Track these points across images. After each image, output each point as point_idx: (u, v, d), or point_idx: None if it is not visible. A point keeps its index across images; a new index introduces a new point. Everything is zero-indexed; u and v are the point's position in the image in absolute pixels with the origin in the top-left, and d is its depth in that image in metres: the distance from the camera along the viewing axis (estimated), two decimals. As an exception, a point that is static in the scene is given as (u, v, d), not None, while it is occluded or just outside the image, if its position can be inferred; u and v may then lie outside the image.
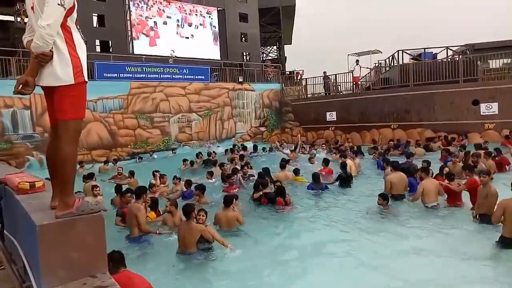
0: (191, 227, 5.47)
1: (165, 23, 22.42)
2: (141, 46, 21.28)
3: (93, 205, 2.39)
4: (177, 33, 22.84)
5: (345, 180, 9.54)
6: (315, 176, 9.14)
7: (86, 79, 2.36)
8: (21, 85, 2.16)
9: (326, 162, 11.04)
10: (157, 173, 10.13)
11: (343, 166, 9.88)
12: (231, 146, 17.55)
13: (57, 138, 2.33)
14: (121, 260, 3.69)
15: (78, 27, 2.38)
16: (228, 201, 6.72)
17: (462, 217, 6.53)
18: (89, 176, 10.03)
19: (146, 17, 21.68)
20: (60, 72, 2.21)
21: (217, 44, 24.68)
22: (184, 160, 13.63)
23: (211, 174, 10.52)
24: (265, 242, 6.08)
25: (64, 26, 2.24)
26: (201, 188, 8.25)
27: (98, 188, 8.14)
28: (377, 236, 5.98)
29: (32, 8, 2.25)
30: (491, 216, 5.56)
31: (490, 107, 15.45)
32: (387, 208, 7.06)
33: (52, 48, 2.18)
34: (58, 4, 2.13)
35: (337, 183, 9.60)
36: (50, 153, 2.48)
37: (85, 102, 2.41)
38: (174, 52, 21.45)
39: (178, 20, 22.99)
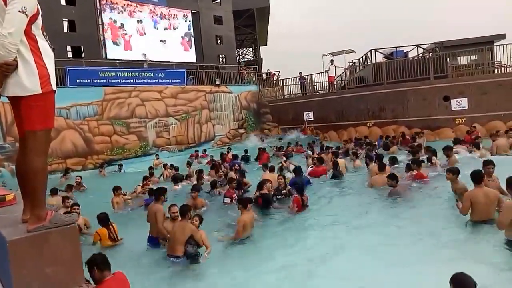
0: (184, 225, 5.53)
1: (138, 27, 22.09)
2: (115, 51, 20.88)
3: (67, 217, 2.35)
4: (151, 37, 22.54)
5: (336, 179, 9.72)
6: (296, 170, 9.18)
7: (55, 88, 2.29)
8: None
9: (320, 160, 10.74)
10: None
11: (335, 165, 10.04)
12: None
13: (25, 149, 2.27)
14: (104, 262, 3.55)
15: (45, 34, 2.31)
16: (247, 201, 6.42)
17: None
18: (54, 191, 9.52)
19: (118, 22, 21.29)
20: (26, 82, 2.14)
21: (192, 47, 24.52)
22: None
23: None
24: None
25: (28, 34, 2.16)
26: (197, 190, 8.22)
27: (69, 200, 7.82)
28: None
29: None
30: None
31: (460, 102, 15.98)
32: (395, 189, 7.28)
33: (16, 57, 2.11)
34: (19, 11, 2.04)
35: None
36: (20, 165, 2.40)
37: (53, 112, 2.35)
38: (146, 56, 21.19)
39: (151, 24, 22.70)
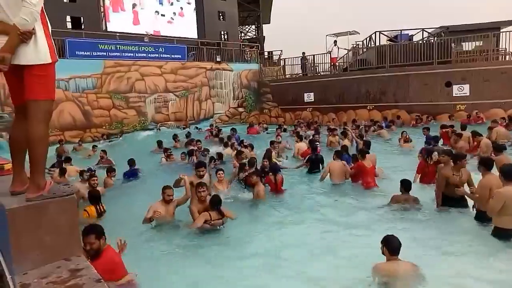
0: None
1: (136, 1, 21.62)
2: (115, 23, 20.48)
3: (65, 188, 2.36)
4: (151, 10, 22.08)
5: (314, 162, 9.16)
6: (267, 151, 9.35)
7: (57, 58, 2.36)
8: None
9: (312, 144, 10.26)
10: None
11: (314, 148, 9.64)
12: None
13: (25, 118, 2.27)
14: (102, 231, 3.63)
15: None
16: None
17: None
18: (67, 160, 9.94)
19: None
20: (40, 51, 2.20)
21: (194, 23, 24.07)
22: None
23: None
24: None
25: None
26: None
27: (95, 179, 7.47)
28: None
29: None
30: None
31: (462, 88, 15.89)
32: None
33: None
34: None
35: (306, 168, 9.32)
36: (16, 134, 2.39)
37: (55, 83, 2.38)
38: (148, 32, 20.88)
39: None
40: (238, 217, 5.99)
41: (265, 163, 8.38)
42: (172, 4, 22.88)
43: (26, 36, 2.12)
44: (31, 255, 2.11)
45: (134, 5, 21.26)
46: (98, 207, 6.25)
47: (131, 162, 9.49)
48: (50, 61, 2.25)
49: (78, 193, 7.04)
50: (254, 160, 8.34)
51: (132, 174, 9.23)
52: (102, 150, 11.76)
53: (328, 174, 8.07)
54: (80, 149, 14.24)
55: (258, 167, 8.27)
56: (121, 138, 16.64)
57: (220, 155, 10.11)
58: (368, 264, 3.95)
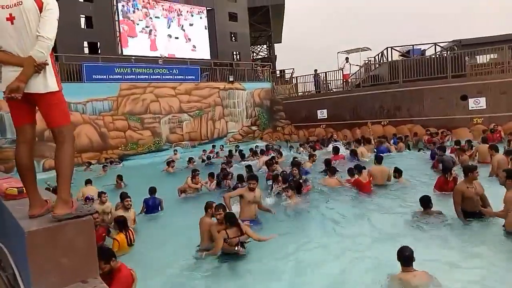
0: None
1: (152, 24, 22.22)
2: (131, 47, 21.07)
3: (89, 207, 2.42)
4: (165, 33, 22.68)
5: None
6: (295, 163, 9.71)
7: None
8: (10, 91, 2.20)
9: (336, 150, 11.92)
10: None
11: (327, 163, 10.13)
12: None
13: (26, 140, 2.44)
14: (111, 254, 3.68)
15: None
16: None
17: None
18: (88, 181, 10.07)
19: (133, 18, 21.47)
20: (49, 80, 2.35)
21: (207, 44, 24.57)
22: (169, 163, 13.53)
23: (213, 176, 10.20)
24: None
25: None
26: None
27: (105, 195, 7.86)
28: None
29: (9, 18, 2.26)
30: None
31: (478, 102, 15.64)
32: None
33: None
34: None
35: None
36: (20, 157, 2.43)
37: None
38: (162, 55, 21.39)
39: (167, 21, 22.83)
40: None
41: (294, 171, 8.65)
42: (182, 26, 23.44)
43: (41, 67, 2.28)
44: (49, 277, 2.11)
45: (150, 31, 21.88)
46: (127, 234, 5.91)
47: (152, 190, 8.50)
48: (58, 89, 2.40)
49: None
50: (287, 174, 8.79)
51: (153, 205, 8.36)
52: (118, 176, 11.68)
53: None
54: (88, 171, 14.36)
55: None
56: (120, 165, 16.03)
57: (249, 168, 10.33)
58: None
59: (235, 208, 6.65)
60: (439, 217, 5.95)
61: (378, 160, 9.00)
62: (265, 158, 12.07)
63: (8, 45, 2.29)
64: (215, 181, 9.92)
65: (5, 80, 2.28)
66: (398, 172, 8.67)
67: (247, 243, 5.41)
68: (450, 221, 5.83)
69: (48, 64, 2.33)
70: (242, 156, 14.48)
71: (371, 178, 8.37)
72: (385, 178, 8.63)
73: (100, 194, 8.04)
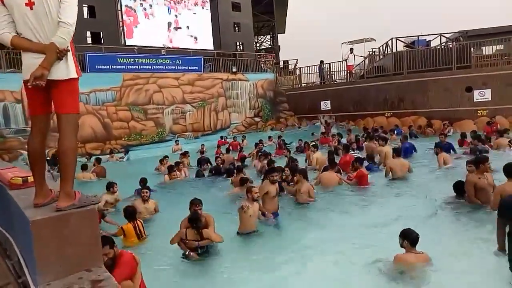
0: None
1: (153, 13, 22.02)
2: (135, 37, 20.92)
3: (93, 198, 2.43)
4: (168, 23, 22.50)
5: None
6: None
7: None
8: (34, 78, 2.17)
9: (346, 148, 10.58)
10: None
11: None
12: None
13: (41, 130, 2.43)
14: (113, 240, 3.75)
15: None
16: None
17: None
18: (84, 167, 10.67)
19: (135, 8, 21.27)
20: (70, 67, 2.35)
21: (210, 34, 24.38)
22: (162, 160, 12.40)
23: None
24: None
25: None
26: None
27: (116, 185, 8.00)
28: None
29: (29, 4, 2.22)
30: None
31: (483, 93, 15.52)
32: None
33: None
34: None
35: None
36: (34, 146, 2.43)
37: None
38: (165, 45, 21.24)
39: (169, 10, 22.63)
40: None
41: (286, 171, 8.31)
42: (187, 16, 23.20)
43: (63, 53, 2.27)
44: (54, 266, 2.13)
45: (143, 17, 21.68)
46: (135, 224, 5.77)
47: (144, 181, 8.45)
48: (76, 76, 2.39)
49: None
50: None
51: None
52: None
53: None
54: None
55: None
56: (125, 158, 15.75)
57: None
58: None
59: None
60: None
61: (397, 152, 8.79)
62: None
63: (28, 31, 2.26)
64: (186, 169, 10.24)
65: (26, 67, 2.25)
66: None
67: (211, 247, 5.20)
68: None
69: (69, 51, 2.32)
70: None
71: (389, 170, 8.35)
72: (405, 170, 8.48)
73: (111, 184, 8.09)
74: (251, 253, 5.25)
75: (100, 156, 13.88)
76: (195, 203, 5.41)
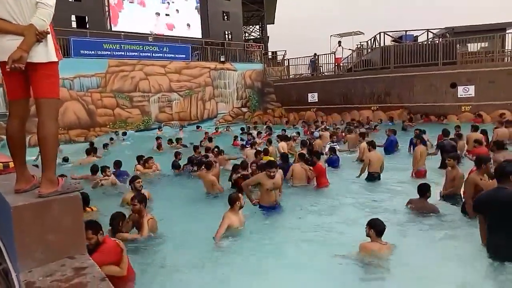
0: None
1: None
2: (121, 23, 20.49)
3: (77, 184, 2.41)
4: (155, 10, 22.07)
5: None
6: (284, 156, 8.90)
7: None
8: (13, 61, 2.10)
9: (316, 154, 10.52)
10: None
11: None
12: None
13: (19, 115, 2.38)
14: (99, 226, 3.69)
15: None
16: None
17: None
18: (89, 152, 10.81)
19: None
20: (50, 50, 2.29)
21: (197, 22, 24.05)
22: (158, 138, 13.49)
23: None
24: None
25: None
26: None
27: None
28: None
29: None
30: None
31: (467, 90, 15.82)
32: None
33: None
34: None
35: None
36: (12, 131, 2.37)
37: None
38: (152, 32, 20.88)
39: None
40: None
41: (253, 167, 8.04)
42: (175, 3, 22.81)
43: (42, 36, 2.20)
44: (35, 253, 2.10)
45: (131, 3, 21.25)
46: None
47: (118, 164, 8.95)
48: (57, 59, 2.33)
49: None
50: (246, 164, 8.26)
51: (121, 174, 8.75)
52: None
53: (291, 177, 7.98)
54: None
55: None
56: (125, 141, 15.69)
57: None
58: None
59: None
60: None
61: (372, 145, 8.57)
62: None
63: (6, 13, 2.18)
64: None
65: (4, 50, 2.16)
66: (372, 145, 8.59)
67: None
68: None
69: (49, 33, 2.26)
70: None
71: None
72: (380, 165, 8.23)
73: (104, 168, 8.09)
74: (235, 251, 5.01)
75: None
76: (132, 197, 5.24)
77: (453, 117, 15.68)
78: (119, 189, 7.84)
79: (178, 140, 13.85)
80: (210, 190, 7.61)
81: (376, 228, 4.27)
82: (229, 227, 5.12)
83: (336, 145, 11.10)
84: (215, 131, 17.70)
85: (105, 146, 13.36)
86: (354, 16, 66.96)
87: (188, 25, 23.22)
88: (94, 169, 8.40)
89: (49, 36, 2.27)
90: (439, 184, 6.68)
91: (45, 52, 2.25)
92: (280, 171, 6.83)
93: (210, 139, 13.47)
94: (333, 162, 9.50)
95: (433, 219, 5.57)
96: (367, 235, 4.33)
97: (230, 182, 7.97)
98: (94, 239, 3.51)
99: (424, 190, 5.71)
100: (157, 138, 13.70)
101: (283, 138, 11.86)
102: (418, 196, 5.83)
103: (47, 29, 2.23)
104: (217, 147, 10.86)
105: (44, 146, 2.30)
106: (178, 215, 6.34)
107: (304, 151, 9.03)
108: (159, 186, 8.59)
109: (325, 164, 8.77)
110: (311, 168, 7.84)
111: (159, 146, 13.18)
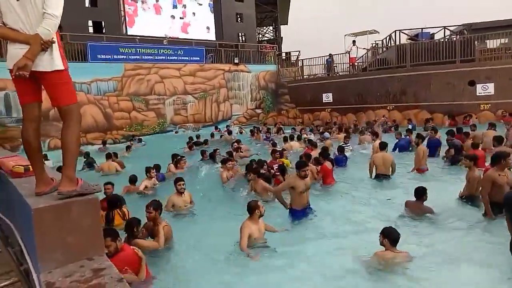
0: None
1: (156, 5, 21.86)
2: (136, 27, 20.80)
3: (95, 186, 2.44)
4: (169, 14, 22.33)
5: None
6: (340, 147, 9.58)
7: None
8: (18, 68, 2.18)
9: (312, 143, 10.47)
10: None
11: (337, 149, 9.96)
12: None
13: (32, 118, 2.45)
14: (117, 233, 3.73)
15: None
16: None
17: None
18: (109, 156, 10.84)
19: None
20: (55, 59, 2.35)
21: (212, 25, 24.21)
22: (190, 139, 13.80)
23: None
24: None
25: None
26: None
27: (153, 170, 8.28)
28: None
29: None
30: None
31: (486, 87, 15.43)
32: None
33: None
34: None
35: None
36: (27, 135, 2.44)
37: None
38: (167, 35, 21.11)
39: (171, 1, 22.43)
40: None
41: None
42: (189, 7, 23.02)
43: (47, 45, 2.27)
44: (55, 254, 2.15)
45: (145, 9, 21.53)
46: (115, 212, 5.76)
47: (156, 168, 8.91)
48: (63, 67, 2.39)
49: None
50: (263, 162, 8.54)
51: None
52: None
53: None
54: (103, 149, 14.44)
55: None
56: (143, 143, 15.98)
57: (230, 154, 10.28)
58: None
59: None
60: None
61: (382, 146, 8.44)
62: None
63: (14, 22, 2.27)
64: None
65: (11, 57, 2.26)
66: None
67: None
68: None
69: (54, 42, 2.32)
70: None
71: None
72: (388, 166, 8.08)
73: (149, 169, 8.23)
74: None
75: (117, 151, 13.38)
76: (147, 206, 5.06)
77: (483, 114, 15.22)
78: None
79: (206, 141, 14.03)
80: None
81: (390, 236, 4.15)
82: (249, 238, 4.83)
83: (349, 145, 10.99)
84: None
85: (127, 148, 13.61)
86: (369, 15, 66.26)
87: (208, 28, 23.48)
88: (133, 179, 8.12)
89: (55, 45, 2.34)
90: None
91: (50, 61, 2.32)
92: (313, 167, 7.41)
93: (229, 132, 13.78)
94: (340, 161, 9.50)
95: (439, 220, 5.55)
96: (381, 244, 4.22)
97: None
98: (112, 246, 3.54)
99: (420, 194, 5.72)
100: (190, 139, 13.88)
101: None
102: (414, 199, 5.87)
103: (53, 38, 2.29)
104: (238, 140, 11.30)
105: (66, 146, 2.41)
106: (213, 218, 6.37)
107: (315, 152, 9.13)
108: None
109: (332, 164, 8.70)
110: (318, 169, 8.00)
111: (190, 147, 12.95)
